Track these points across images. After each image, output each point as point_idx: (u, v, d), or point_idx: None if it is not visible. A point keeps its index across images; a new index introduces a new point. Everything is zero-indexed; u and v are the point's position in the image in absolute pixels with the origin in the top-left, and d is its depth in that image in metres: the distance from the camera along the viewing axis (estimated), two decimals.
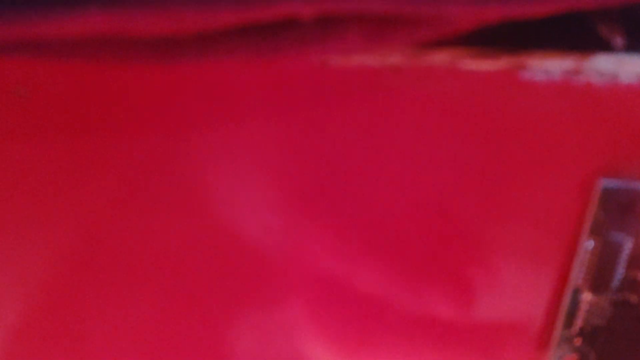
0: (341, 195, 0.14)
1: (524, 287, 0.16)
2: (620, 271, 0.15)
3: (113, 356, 0.16)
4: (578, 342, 0.16)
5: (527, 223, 0.15)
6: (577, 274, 0.15)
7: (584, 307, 0.16)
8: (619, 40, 0.13)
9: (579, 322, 0.16)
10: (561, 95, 0.13)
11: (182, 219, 0.14)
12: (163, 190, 0.14)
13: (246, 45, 0.11)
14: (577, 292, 0.16)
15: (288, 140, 0.14)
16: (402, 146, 0.14)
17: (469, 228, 0.15)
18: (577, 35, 0.13)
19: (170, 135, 0.13)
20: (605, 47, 0.13)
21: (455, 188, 0.14)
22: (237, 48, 0.11)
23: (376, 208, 0.14)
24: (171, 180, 0.14)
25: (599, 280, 0.15)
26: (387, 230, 0.15)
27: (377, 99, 0.13)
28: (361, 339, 0.17)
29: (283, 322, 0.16)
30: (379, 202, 0.14)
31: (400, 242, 0.15)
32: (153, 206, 0.14)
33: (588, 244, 0.15)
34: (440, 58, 0.13)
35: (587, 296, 0.16)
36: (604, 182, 0.14)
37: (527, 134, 0.14)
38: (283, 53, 0.11)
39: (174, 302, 0.16)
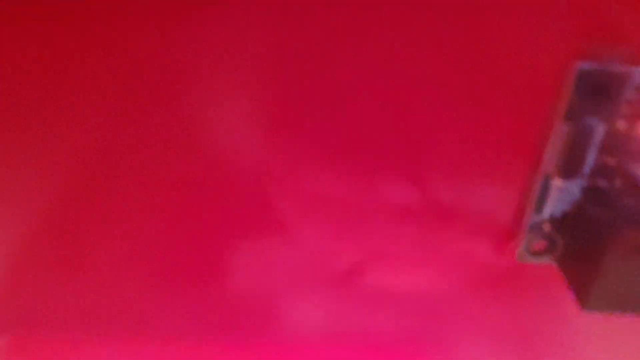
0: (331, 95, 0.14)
1: (495, 174, 0.16)
2: (591, 156, 0.15)
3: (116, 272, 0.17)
4: (547, 227, 0.17)
5: (500, 106, 0.15)
6: (549, 160, 0.15)
7: (554, 193, 0.16)
8: None
9: (548, 208, 0.16)
10: None
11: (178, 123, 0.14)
12: (156, 88, 0.14)
13: None
14: (547, 178, 0.16)
15: (271, 39, 0.13)
16: (377, 34, 0.13)
17: (441, 114, 0.15)
18: None
19: (163, 29, 0.13)
20: None
21: (430, 72, 0.14)
22: None
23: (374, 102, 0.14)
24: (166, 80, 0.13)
25: (569, 166, 0.15)
26: (374, 124, 0.15)
27: None
28: (353, 229, 0.17)
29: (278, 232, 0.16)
30: (376, 94, 0.14)
31: (384, 134, 0.15)
32: (148, 109, 0.14)
33: (561, 129, 0.15)
34: None
35: (557, 182, 0.16)
36: (580, 64, 0.14)
37: (500, 13, 0.13)
38: None
39: (175, 219, 0.16)
